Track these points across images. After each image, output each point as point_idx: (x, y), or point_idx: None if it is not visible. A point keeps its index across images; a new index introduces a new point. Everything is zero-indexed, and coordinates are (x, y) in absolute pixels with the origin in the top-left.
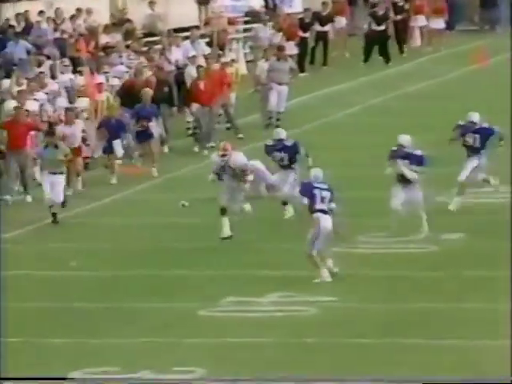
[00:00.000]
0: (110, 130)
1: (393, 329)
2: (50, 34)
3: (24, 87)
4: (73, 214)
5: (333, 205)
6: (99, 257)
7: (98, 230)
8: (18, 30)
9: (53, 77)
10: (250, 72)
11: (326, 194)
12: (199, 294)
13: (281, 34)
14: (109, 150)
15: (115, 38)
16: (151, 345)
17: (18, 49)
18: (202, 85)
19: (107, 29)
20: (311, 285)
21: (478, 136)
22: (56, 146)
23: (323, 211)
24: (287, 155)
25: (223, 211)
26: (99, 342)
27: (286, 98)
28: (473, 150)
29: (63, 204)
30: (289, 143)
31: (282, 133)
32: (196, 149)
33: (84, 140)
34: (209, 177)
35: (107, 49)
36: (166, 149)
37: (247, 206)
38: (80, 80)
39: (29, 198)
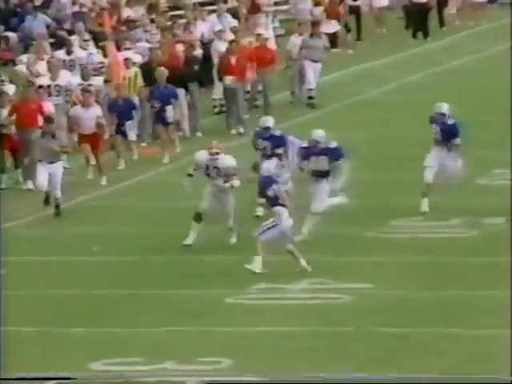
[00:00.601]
0: (119, 111)
1: (429, 317)
2: (68, 7)
3: (44, 62)
4: (93, 197)
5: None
6: (122, 241)
7: (121, 213)
8: (37, 3)
9: (68, 52)
10: (280, 47)
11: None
12: (227, 281)
13: (321, 8)
14: (119, 133)
15: (138, 11)
16: (175, 334)
17: (37, 23)
18: (233, 60)
19: (130, 2)
20: (344, 271)
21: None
22: (53, 136)
23: (284, 205)
24: (270, 145)
25: (197, 217)
26: (121, 330)
27: (319, 75)
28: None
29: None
30: (276, 133)
31: (270, 121)
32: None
33: (99, 126)
34: (184, 179)
35: (129, 23)
36: (199, 133)
37: (233, 240)
38: (98, 57)
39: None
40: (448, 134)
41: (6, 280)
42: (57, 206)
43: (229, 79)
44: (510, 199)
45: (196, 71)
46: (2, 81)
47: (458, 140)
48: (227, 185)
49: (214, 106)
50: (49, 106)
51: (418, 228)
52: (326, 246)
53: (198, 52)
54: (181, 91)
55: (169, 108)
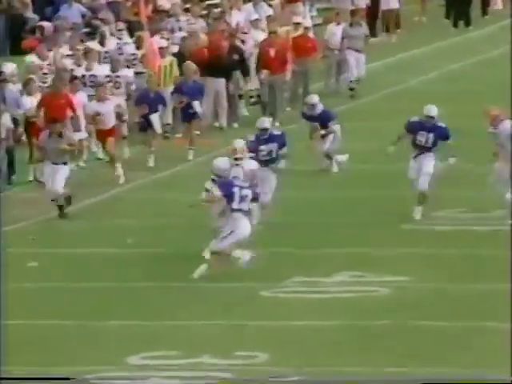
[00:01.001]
0: (148, 103)
1: (470, 310)
2: None
3: (80, 52)
4: (126, 189)
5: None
6: (157, 233)
7: (155, 204)
8: None
9: (101, 43)
10: (317, 37)
11: (247, 193)
12: (263, 274)
13: None
14: (146, 125)
15: (173, 1)
16: (211, 327)
17: (72, 12)
18: (272, 52)
19: None
20: (381, 264)
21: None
22: (60, 135)
23: (243, 211)
24: (276, 146)
25: None
26: (158, 324)
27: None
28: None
29: (68, 200)
30: (277, 132)
31: (266, 121)
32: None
33: (119, 116)
34: (203, 194)
35: (164, 12)
36: (235, 124)
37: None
38: (130, 48)
39: None
40: (441, 138)
41: (40, 273)
42: (60, 207)
43: (265, 73)
44: None
45: (237, 60)
46: (1, 72)
47: (451, 141)
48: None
49: (251, 97)
50: (81, 98)
51: (458, 220)
52: (363, 238)
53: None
54: (222, 81)
55: (196, 103)
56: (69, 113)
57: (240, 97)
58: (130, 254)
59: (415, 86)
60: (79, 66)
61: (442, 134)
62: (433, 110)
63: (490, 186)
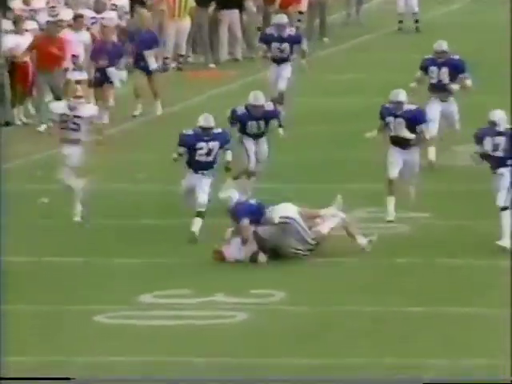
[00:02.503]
0: (107, 56)
1: (495, 247)
2: None
3: None
4: (137, 123)
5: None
6: (169, 169)
7: (167, 139)
8: None
9: None
10: None
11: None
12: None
13: None
14: (103, 80)
15: None
16: (226, 265)
17: None
18: None
19: None
20: (401, 200)
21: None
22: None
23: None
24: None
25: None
26: (171, 261)
27: None
28: None
29: None
30: (269, 108)
31: (261, 97)
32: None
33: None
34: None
35: None
36: (254, 55)
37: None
38: None
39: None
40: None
41: (49, 210)
42: None
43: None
44: None
45: None
46: None
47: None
48: None
49: (258, 28)
50: (83, 37)
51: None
52: (380, 174)
53: None
54: (235, 12)
55: (148, 53)
56: (65, 57)
57: (258, 29)
58: (141, 189)
59: (439, 17)
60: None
61: (457, 67)
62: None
63: None
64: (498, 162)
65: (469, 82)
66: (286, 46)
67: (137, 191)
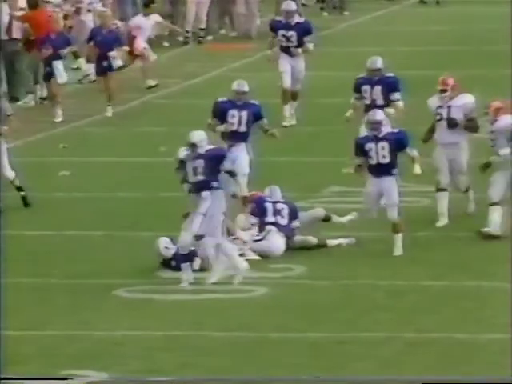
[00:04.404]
0: (53, 47)
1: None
2: None
3: None
4: (156, 96)
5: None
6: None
7: (187, 112)
8: None
9: None
10: None
11: (281, 207)
12: (299, 184)
13: None
14: (50, 73)
15: None
16: None
17: None
18: None
19: None
20: (423, 173)
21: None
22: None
23: (276, 224)
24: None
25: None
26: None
27: None
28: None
29: None
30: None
31: (245, 85)
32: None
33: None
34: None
35: None
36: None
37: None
38: None
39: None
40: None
41: (72, 182)
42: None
43: None
44: None
45: None
46: None
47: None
48: None
49: None
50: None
51: None
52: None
53: None
54: None
55: (113, 54)
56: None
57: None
58: (161, 162)
59: None
60: None
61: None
62: (378, 62)
63: None
64: None
65: (400, 104)
66: (292, 33)
67: (158, 164)
